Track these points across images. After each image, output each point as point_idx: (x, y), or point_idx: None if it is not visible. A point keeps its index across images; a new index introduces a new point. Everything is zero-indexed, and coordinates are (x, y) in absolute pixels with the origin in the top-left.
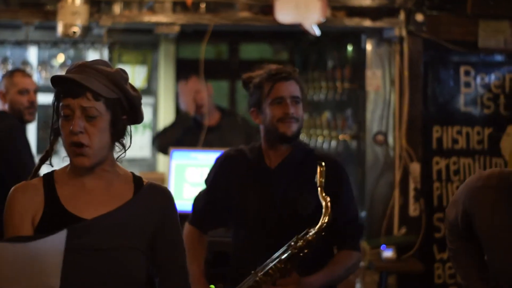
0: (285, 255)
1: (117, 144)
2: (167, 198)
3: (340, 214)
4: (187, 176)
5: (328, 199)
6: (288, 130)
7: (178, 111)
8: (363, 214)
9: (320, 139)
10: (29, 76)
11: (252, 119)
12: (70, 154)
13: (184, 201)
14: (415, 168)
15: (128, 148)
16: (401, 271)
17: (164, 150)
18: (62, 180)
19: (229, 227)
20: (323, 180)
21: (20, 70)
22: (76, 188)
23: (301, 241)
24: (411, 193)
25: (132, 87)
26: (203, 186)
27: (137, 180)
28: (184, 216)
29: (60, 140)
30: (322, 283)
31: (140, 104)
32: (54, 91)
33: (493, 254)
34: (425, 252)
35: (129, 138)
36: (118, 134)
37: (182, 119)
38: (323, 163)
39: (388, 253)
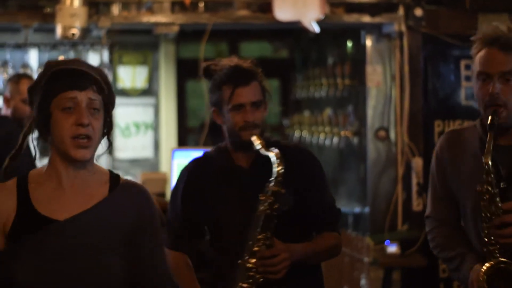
0: (260, 223)
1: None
2: (143, 197)
3: (316, 202)
4: None
5: (276, 150)
6: (250, 138)
7: (179, 111)
8: (366, 210)
9: (322, 136)
10: None
11: (213, 118)
12: (70, 147)
13: None
14: (418, 163)
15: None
16: (405, 266)
17: None
18: (36, 180)
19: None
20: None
21: (27, 77)
22: (50, 189)
23: (267, 197)
24: (414, 188)
25: None
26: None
27: (113, 178)
28: None
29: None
30: (305, 253)
31: (114, 104)
32: (44, 86)
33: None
34: (429, 247)
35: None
36: (107, 131)
37: None
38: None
39: (392, 248)
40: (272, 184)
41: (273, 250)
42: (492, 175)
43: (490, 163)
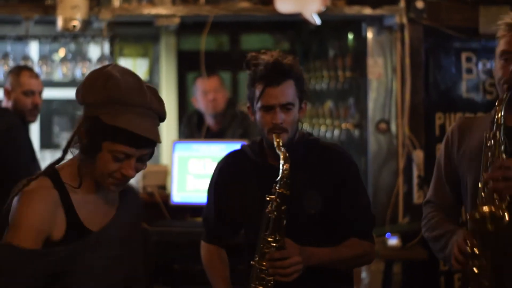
0: (269, 225)
1: None
2: (139, 201)
3: (347, 206)
4: (190, 168)
5: (284, 150)
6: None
7: (180, 103)
8: None
9: (323, 128)
10: (36, 76)
11: (249, 115)
12: (108, 183)
13: (187, 193)
14: (419, 155)
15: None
16: (406, 259)
17: None
18: (77, 193)
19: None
20: (280, 140)
21: (28, 69)
22: (88, 203)
23: (272, 199)
24: (415, 181)
25: None
26: (206, 179)
27: None
28: (187, 208)
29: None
30: (325, 258)
31: None
32: (99, 126)
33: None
34: None
35: None
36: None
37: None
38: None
39: (393, 241)
40: (277, 185)
41: (283, 252)
42: (502, 120)
43: (502, 111)
